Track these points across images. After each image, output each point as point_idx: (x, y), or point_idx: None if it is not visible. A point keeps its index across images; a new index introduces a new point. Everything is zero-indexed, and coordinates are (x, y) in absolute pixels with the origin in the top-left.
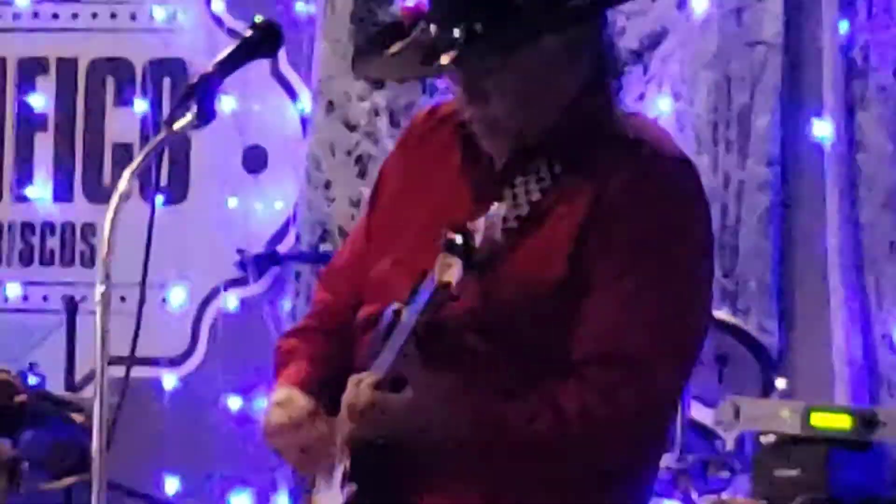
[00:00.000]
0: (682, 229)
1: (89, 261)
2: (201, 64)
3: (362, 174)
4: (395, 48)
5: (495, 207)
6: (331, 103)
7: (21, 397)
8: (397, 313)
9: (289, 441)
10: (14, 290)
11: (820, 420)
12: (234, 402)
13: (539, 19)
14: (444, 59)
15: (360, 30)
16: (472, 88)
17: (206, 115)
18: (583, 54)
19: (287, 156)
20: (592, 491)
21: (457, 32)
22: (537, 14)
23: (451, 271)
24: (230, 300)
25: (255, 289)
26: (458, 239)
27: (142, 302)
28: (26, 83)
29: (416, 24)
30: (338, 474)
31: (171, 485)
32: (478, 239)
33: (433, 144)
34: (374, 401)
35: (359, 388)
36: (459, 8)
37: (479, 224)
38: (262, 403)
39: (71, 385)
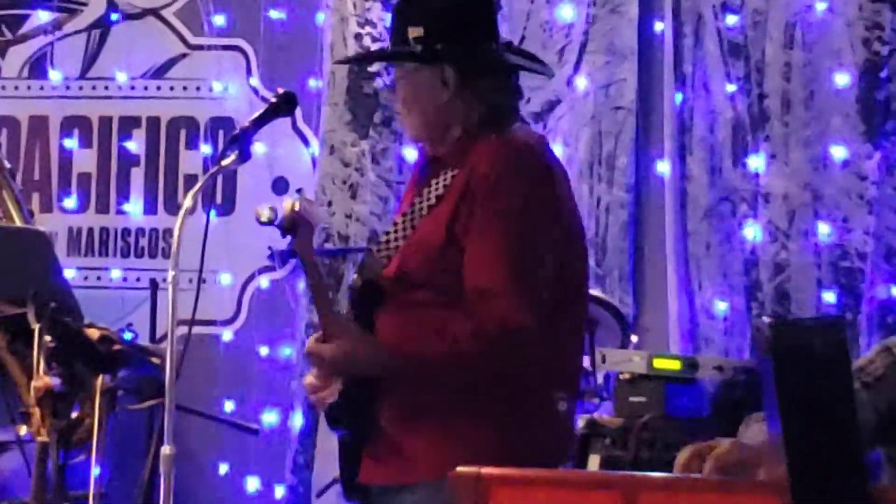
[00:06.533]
0: (513, 194)
1: (168, 254)
2: (244, 121)
3: (353, 196)
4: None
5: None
6: (332, 148)
7: (118, 346)
8: None
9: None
10: (117, 274)
11: (659, 363)
12: (265, 350)
13: (428, 51)
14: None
15: (352, 98)
16: (397, 91)
17: (245, 156)
18: (471, 97)
19: (302, 183)
20: (478, 393)
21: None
22: (432, 45)
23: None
24: (263, 281)
25: (279, 274)
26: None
27: (199, 282)
28: (125, 133)
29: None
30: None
31: (228, 405)
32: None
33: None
34: (309, 349)
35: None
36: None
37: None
38: (286, 351)
39: (153, 339)
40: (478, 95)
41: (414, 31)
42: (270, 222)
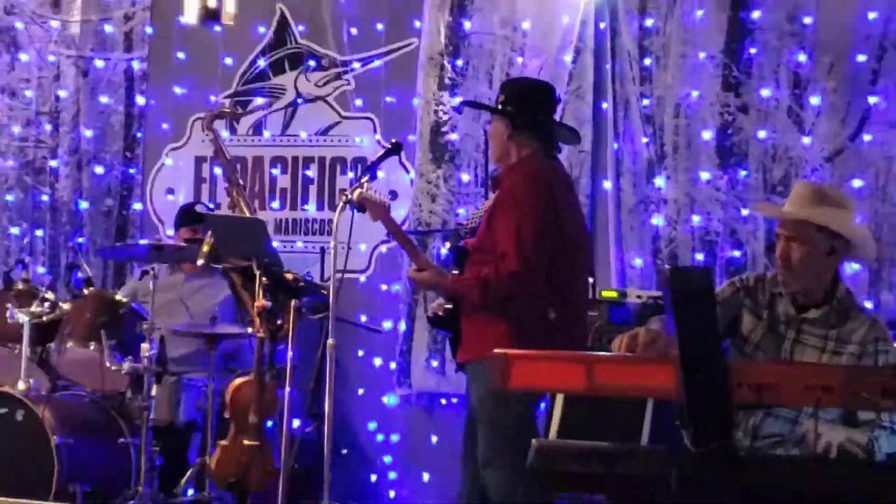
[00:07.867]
0: (516, 198)
1: (330, 233)
2: (372, 159)
3: (432, 201)
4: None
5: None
6: (420, 174)
7: (303, 283)
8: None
9: None
10: (301, 244)
11: (605, 294)
12: (384, 287)
13: (501, 108)
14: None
15: (433, 145)
16: (489, 133)
17: (372, 178)
18: (523, 138)
19: (404, 195)
20: (499, 311)
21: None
22: (506, 108)
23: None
24: (383, 248)
25: (393, 244)
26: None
27: (348, 248)
28: (306, 166)
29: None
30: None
31: (363, 318)
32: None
33: None
34: (410, 275)
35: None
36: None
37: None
38: (395, 287)
39: (322, 280)
40: (526, 141)
41: (501, 98)
42: (349, 202)
